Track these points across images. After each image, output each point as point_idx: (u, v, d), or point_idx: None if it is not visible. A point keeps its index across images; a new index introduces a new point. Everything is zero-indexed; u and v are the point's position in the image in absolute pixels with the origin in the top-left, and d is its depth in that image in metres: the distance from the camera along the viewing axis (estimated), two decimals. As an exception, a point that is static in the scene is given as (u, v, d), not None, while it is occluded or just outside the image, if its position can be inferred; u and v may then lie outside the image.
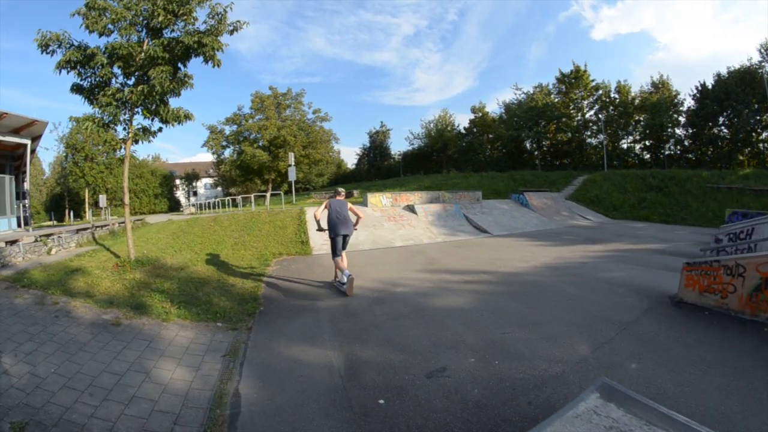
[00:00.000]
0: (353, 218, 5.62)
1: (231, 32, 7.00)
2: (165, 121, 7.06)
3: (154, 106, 6.95)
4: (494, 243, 9.71)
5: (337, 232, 5.27)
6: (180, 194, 47.18)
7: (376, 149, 55.10)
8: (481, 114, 46.78)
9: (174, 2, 6.78)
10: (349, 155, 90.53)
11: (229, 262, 7.21)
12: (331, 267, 5.81)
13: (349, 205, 5.66)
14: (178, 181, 46.71)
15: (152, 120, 7.15)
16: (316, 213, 5.48)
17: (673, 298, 4.61)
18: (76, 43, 6.63)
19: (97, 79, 6.84)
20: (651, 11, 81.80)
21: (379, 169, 52.39)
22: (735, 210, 13.73)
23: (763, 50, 31.09)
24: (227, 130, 28.14)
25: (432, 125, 48.79)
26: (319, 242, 8.68)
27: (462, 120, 52.48)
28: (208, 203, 23.26)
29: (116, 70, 6.89)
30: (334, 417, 2.36)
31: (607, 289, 5.08)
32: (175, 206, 40.36)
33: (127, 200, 7.00)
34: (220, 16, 6.85)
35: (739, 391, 2.65)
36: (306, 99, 28.91)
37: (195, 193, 50.07)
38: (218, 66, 6.92)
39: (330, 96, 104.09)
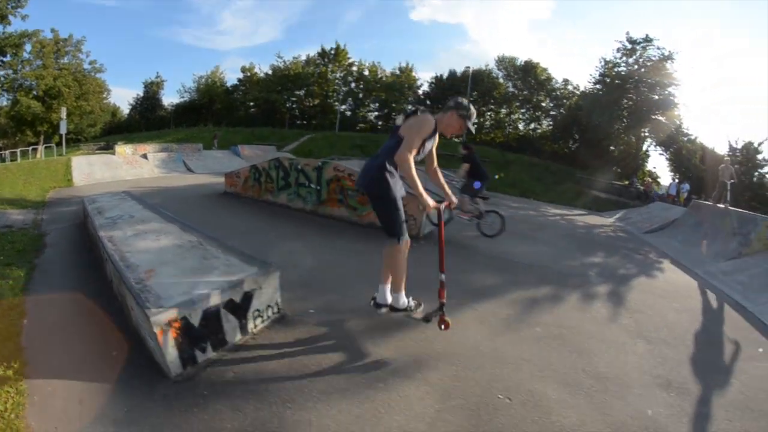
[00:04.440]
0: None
1: None
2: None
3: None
4: (190, 177, 17.77)
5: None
6: None
7: (148, 100, 55.56)
8: (249, 74, 51.92)
9: None
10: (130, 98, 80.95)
11: (25, 192, 12.95)
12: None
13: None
14: None
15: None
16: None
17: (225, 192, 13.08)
18: None
19: None
20: (473, 11, 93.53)
21: (149, 120, 53.23)
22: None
23: (497, 60, 46.22)
24: (1, 74, 27.07)
25: (203, 80, 51.83)
26: (78, 179, 15.10)
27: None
28: None
29: None
30: (74, 219, 9.72)
31: (201, 191, 13.28)
32: None
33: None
34: None
35: (225, 215, 10.62)
36: (88, 43, 29.63)
37: (-50, 145, 41.77)
38: None
39: (124, 26, 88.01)
